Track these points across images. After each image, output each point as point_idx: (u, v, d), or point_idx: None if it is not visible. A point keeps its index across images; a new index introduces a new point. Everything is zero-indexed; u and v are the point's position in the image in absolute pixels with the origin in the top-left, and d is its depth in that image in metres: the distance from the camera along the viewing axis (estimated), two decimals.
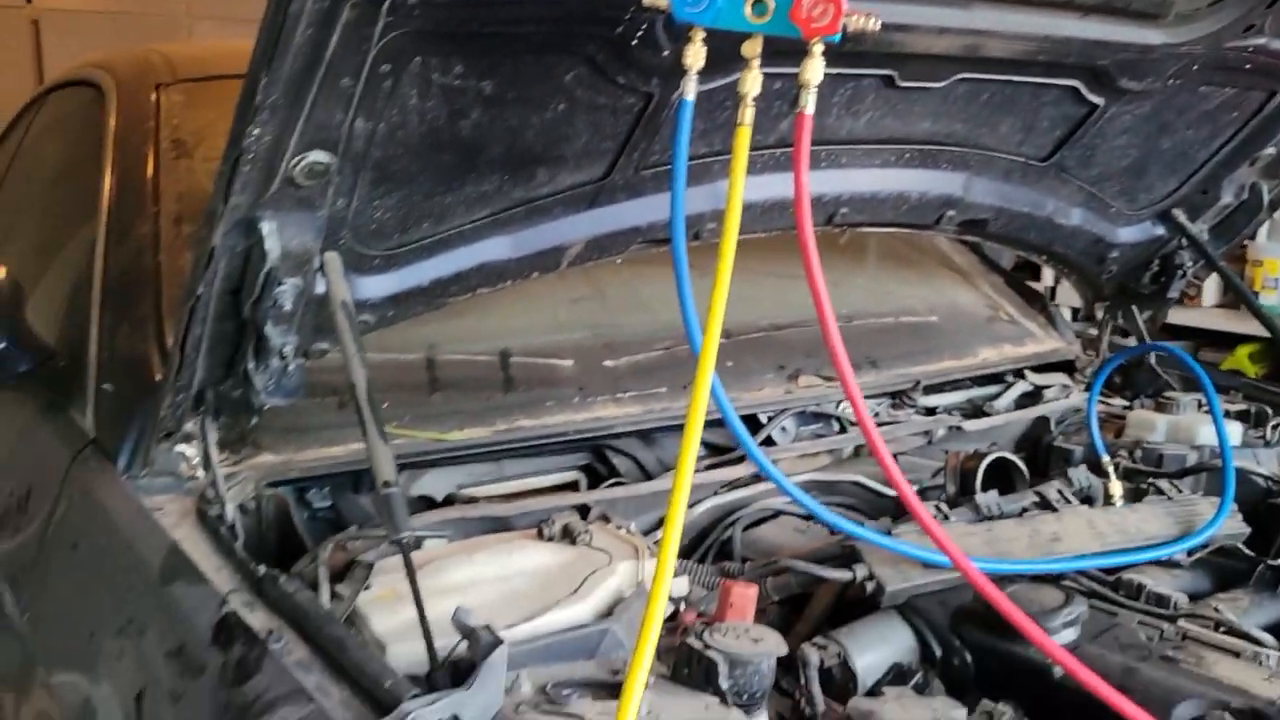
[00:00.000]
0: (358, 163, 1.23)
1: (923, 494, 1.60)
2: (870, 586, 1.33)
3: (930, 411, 2.04)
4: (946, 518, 1.50)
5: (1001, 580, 1.26)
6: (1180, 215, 2.13)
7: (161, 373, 1.55)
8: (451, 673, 1.05)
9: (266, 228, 1.17)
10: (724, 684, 1.08)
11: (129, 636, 1.21)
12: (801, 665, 1.24)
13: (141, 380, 1.56)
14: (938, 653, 1.31)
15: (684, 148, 1.14)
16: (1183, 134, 1.95)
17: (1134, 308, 2.31)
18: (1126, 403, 2.17)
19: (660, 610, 0.87)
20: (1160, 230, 2.17)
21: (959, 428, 1.95)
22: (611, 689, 1.06)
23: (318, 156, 1.14)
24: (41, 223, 2.49)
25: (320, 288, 1.31)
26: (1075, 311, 2.70)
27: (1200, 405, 1.97)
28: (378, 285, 1.43)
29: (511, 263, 1.52)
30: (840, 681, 1.26)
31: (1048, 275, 4.14)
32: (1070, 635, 1.24)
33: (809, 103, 1.09)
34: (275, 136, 1.08)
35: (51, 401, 1.74)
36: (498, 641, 1.03)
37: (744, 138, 1.10)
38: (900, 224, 1.90)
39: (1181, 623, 1.30)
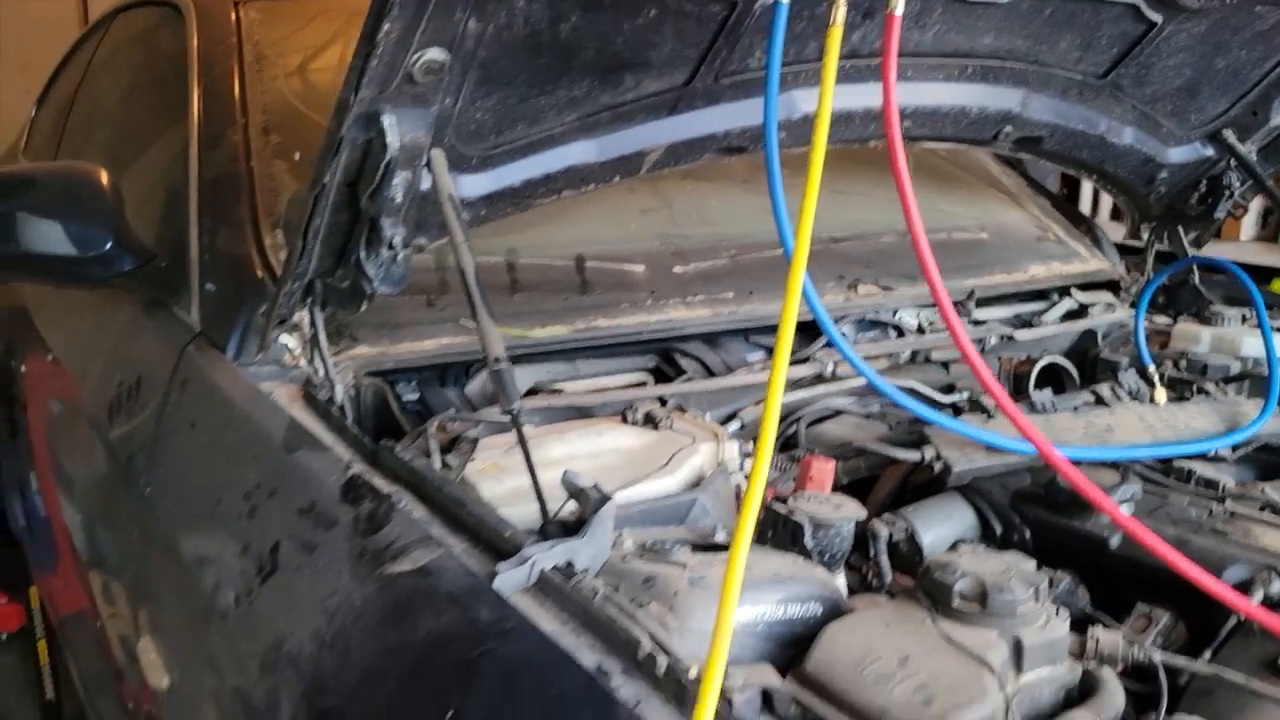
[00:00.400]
0: (466, 63, 1.30)
1: (976, 400, 1.68)
2: (938, 467, 1.42)
3: (980, 325, 2.12)
4: None
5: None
6: (1230, 136, 2.18)
7: (262, 270, 1.65)
8: (561, 528, 1.16)
9: (387, 120, 1.25)
10: (809, 543, 1.18)
11: (257, 499, 1.31)
12: (871, 538, 1.32)
13: (243, 277, 1.66)
14: (998, 530, 1.40)
15: (778, 47, 1.21)
16: (1236, 54, 1.99)
17: (1179, 228, 2.37)
18: (1170, 320, 2.24)
19: (768, 455, 0.96)
20: (1209, 151, 2.22)
21: (1010, 337, 2.03)
22: (706, 548, 1.15)
23: (435, 54, 1.22)
24: (118, 135, 2.58)
25: (425, 184, 1.39)
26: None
27: (1245, 319, 2.04)
28: (474, 184, 1.51)
29: (595, 166, 1.60)
30: (907, 555, 1.34)
31: (1085, 208, 4.19)
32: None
33: (899, 3, 1.16)
34: (402, 32, 1.15)
35: (154, 299, 1.84)
36: (606, 498, 1.13)
37: (835, 38, 1.17)
38: (959, 139, 1.96)
39: (1229, 503, 1.38)
